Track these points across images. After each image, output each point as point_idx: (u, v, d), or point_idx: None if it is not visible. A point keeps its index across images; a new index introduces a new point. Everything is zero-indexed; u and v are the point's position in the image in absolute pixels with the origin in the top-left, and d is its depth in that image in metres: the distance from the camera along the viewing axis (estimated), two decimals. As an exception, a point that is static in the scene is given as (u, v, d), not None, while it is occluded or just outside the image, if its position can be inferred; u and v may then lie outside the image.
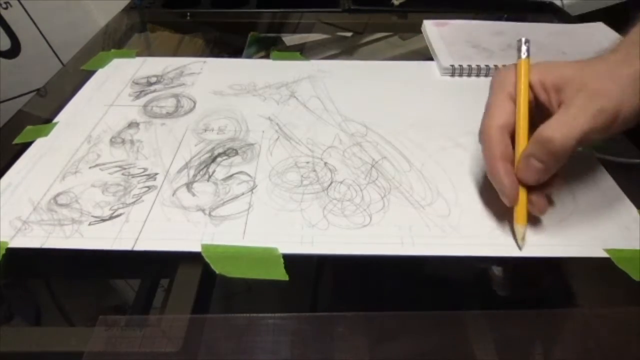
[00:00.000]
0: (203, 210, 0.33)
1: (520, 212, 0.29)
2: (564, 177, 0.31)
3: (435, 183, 0.35)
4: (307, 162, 0.37)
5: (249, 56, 0.56)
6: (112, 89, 0.48)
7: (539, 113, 0.30)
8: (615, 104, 0.26)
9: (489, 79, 0.50)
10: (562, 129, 0.27)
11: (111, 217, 0.32)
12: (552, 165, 0.28)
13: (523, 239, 0.30)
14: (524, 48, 0.32)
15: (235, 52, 0.58)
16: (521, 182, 0.29)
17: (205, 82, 0.49)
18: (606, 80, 0.27)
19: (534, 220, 0.32)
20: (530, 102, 0.30)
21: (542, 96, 0.30)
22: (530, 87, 0.30)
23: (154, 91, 0.47)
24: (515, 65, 0.31)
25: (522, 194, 0.29)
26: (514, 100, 0.30)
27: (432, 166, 0.37)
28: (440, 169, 0.37)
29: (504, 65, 0.48)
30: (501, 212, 0.32)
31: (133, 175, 0.36)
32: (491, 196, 0.34)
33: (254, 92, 0.47)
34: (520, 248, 0.30)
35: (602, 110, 0.26)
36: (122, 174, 0.36)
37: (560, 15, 0.67)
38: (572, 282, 0.31)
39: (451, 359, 0.26)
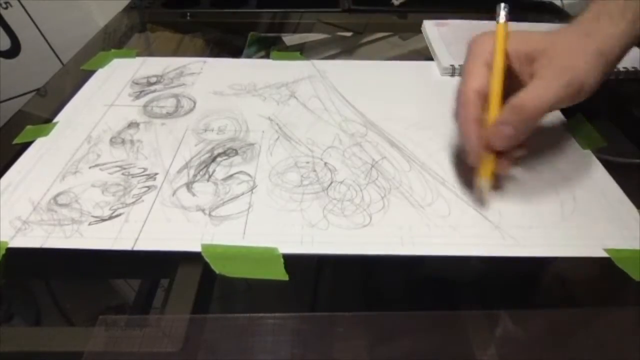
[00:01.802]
0: (203, 210, 0.33)
1: (485, 169, 0.31)
2: (527, 148, 0.33)
3: (435, 183, 0.35)
4: (307, 162, 0.37)
5: (249, 56, 0.56)
6: (112, 89, 0.48)
7: (512, 81, 0.32)
8: (581, 77, 0.29)
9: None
10: (534, 99, 0.29)
11: (111, 217, 0.32)
12: (521, 132, 0.30)
13: (486, 193, 0.32)
14: (502, 13, 0.33)
15: (235, 52, 0.58)
16: (491, 146, 0.31)
17: (205, 82, 0.49)
18: (574, 56, 0.30)
19: (534, 220, 0.32)
20: (505, 70, 0.31)
21: (516, 65, 0.32)
22: (506, 55, 0.32)
23: (154, 91, 0.47)
24: (494, 31, 0.33)
25: (490, 155, 0.31)
26: (490, 66, 0.32)
27: (432, 166, 0.37)
28: (440, 169, 0.37)
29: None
30: (501, 211, 0.33)
31: (133, 175, 0.36)
32: (491, 196, 0.34)
33: (254, 92, 0.47)
34: (482, 204, 0.32)
35: (570, 83, 0.29)
36: (122, 174, 0.36)
37: (560, 15, 0.67)
38: (572, 282, 0.31)
39: (451, 359, 0.26)
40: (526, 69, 0.32)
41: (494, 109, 0.31)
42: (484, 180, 0.31)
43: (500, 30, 0.32)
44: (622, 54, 0.31)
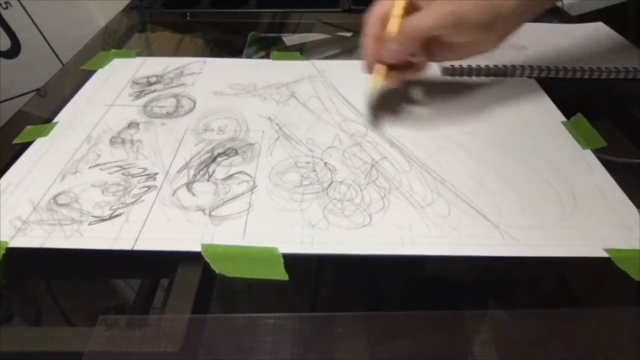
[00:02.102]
0: (203, 210, 0.33)
1: (374, 76, 0.38)
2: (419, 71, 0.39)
3: (435, 183, 0.35)
4: (307, 162, 0.37)
5: (249, 56, 0.56)
6: (112, 89, 0.48)
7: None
8: (461, 12, 0.34)
9: (489, 79, 0.50)
10: (415, 21, 0.35)
11: (111, 217, 0.32)
12: (404, 48, 0.36)
13: (371, 97, 0.38)
14: None
15: (235, 52, 0.58)
16: (382, 59, 0.37)
17: (205, 82, 0.49)
18: None
19: (534, 220, 0.32)
20: (408, 3, 0.37)
21: (422, 3, 0.37)
22: None
23: (154, 91, 0.47)
24: None
25: (379, 66, 0.37)
26: None
27: (432, 166, 0.37)
28: (440, 169, 0.37)
29: (503, 65, 0.48)
30: (501, 211, 0.33)
31: (133, 175, 0.36)
32: (491, 196, 0.34)
33: (254, 92, 0.47)
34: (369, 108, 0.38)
35: (448, 12, 0.34)
36: (122, 174, 0.36)
37: (560, 15, 0.67)
38: (572, 282, 0.31)
39: (451, 359, 0.26)
40: (425, 3, 0.37)
41: (392, 29, 0.36)
42: (371, 85, 0.38)
43: None
44: (518, 13, 0.36)
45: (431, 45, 0.37)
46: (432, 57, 0.39)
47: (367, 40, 0.37)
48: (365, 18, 0.38)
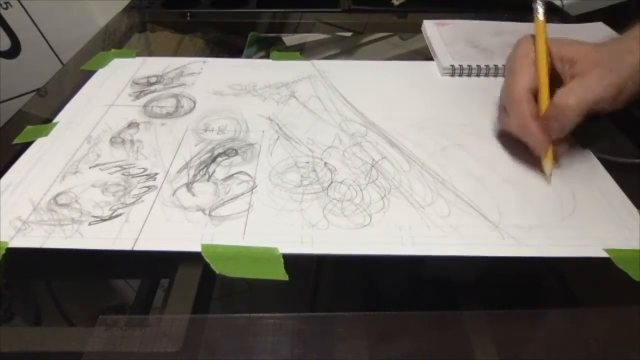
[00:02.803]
0: (203, 210, 0.33)
1: (550, 156, 0.34)
2: (570, 138, 0.36)
3: (435, 183, 0.35)
4: (307, 162, 0.37)
5: (249, 56, 0.56)
6: (112, 89, 0.48)
7: (555, 82, 0.35)
8: (622, 81, 0.32)
9: (489, 79, 0.50)
10: (577, 96, 0.32)
11: (111, 217, 0.32)
12: (567, 126, 0.33)
13: (550, 175, 0.35)
14: (540, 10, 0.37)
15: (235, 52, 0.58)
16: (553, 137, 0.34)
17: (205, 82, 0.49)
18: (615, 63, 0.33)
19: (534, 220, 0.32)
20: (549, 67, 0.35)
21: (559, 66, 0.35)
22: (550, 55, 0.35)
23: (154, 91, 0.47)
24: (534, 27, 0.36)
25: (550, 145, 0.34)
26: (536, 65, 0.35)
27: (432, 166, 0.37)
28: (440, 169, 0.37)
29: (503, 65, 0.48)
30: (501, 211, 0.33)
31: (133, 175, 0.36)
32: (491, 196, 0.34)
33: (254, 92, 0.47)
34: (549, 183, 0.35)
35: (612, 84, 0.32)
36: (122, 174, 0.36)
37: (560, 15, 0.67)
38: (572, 282, 0.31)
39: (451, 359, 0.26)
40: (568, 70, 0.35)
41: (544, 102, 0.34)
42: (549, 166, 0.35)
43: (540, 26, 0.36)
44: None
45: None
46: None
47: (529, 123, 0.34)
48: (508, 96, 0.35)
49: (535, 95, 0.35)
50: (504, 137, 0.40)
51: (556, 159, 0.35)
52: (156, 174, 0.36)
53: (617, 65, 0.33)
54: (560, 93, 0.33)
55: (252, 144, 0.39)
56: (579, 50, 0.35)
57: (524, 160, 0.37)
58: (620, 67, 0.33)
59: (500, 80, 0.49)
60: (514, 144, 0.39)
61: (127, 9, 0.70)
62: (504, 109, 0.37)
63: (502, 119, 0.38)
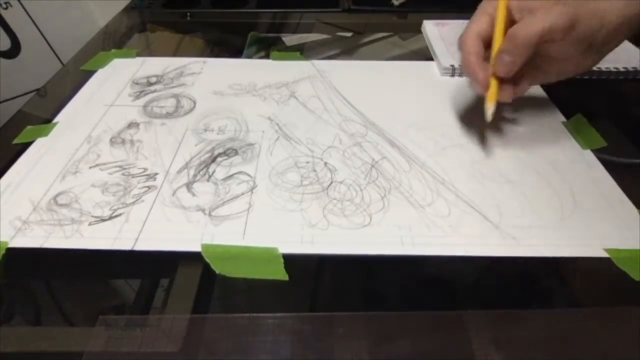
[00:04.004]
0: (203, 210, 0.33)
1: (491, 93, 0.35)
2: (528, 83, 0.37)
3: (435, 183, 0.35)
4: (307, 162, 0.37)
5: (249, 56, 0.56)
6: (112, 89, 0.48)
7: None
8: (573, 10, 0.32)
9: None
10: (526, 25, 0.33)
11: (111, 217, 0.32)
12: (517, 57, 0.34)
13: (492, 115, 0.35)
14: None
15: (235, 52, 0.58)
16: (495, 75, 0.35)
17: (205, 82, 0.49)
18: (571, 1, 0.33)
19: (534, 220, 0.32)
20: (506, 18, 0.36)
21: (517, 16, 0.35)
22: (510, 10, 0.36)
23: (154, 91, 0.47)
24: None
25: (494, 83, 0.35)
26: (491, 15, 0.36)
27: (432, 166, 0.37)
28: (440, 169, 0.37)
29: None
30: (501, 211, 0.33)
31: (133, 175, 0.36)
32: (491, 196, 0.34)
33: (254, 92, 0.47)
34: (488, 120, 0.35)
35: (562, 12, 0.32)
36: (122, 174, 0.36)
37: None
38: (572, 282, 0.31)
39: (451, 359, 0.26)
40: (527, 16, 0.35)
41: (498, 43, 0.35)
42: (490, 105, 0.35)
43: None
44: (620, 28, 0.34)
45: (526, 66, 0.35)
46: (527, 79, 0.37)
47: (473, 58, 0.35)
48: (460, 40, 0.37)
49: (486, 41, 0.36)
50: (505, 137, 0.40)
51: (506, 98, 0.36)
52: (156, 174, 0.36)
53: (571, 2, 0.33)
54: (512, 27, 0.34)
55: (252, 144, 0.39)
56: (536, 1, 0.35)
57: (524, 160, 0.37)
58: (573, 3, 0.33)
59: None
60: (514, 144, 0.39)
61: (127, 9, 0.70)
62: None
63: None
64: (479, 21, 0.37)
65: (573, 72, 0.37)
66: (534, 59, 0.35)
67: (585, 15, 0.33)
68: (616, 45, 0.35)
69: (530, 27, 0.33)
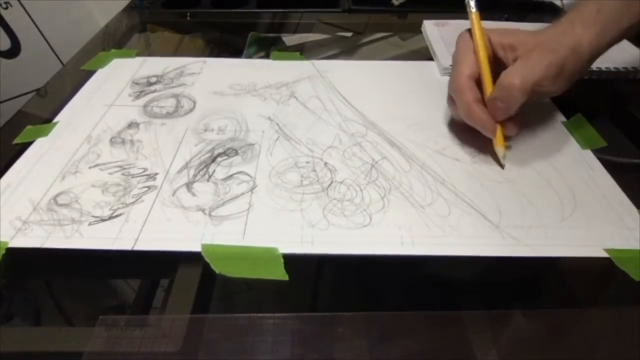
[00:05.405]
0: (203, 210, 0.33)
1: (499, 137, 0.36)
2: (521, 116, 0.37)
3: (435, 183, 0.35)
4: (307, 162, 0.37)
5: (249, 56, 0.56)
6: (112, 89, 0.48)
7: (498, 67, 0.37)
8: (561, 60, 0.34)
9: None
10: (520, 76, 0.33)
11: (111, 217, 0.32)
12: (512, 105, 0.34)
13: (504, 157, 0.36)
14: (472, 3, 0.40)
15: (235, 52, 0.58)
16: (497, 119, 0.36)
17: (205, 82, 0.49)
18: (554, 45, 0.34)
19: (534, 220, 0.32)
20: (489, 56, 0.37)
21: (500, 53, 0.37)
22: (491, 45, 0.37)
23: (154, 91, 0.47)
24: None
25: (499, 127, 0.36)
26: (476, 53, 0.37)
27: (432, 166, 0.37)
28: (440, 169, 0.37)
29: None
30: (501, 211, 0.33)
31: (133, 175, 0.36)
32: (491, 196, 0.34)
33: (254, 92, 0.47)
34: (502, 167, 0.36)
35: (552, 63, 0.33)
36: (122, 174, 0.36)
37: (560, 15, 0.66)
38: (572, 282, 0.31)
39: (451, 359, 0.26)
40: (510, 55, 0.36)
41: (488, 86, 0.36)
42: (500, 148, 0.36)
43: (474, 17, 0.39)
44: (593, 57, 0.36)
45: None
46: None
47: (472, 107, 0.35)
48: (454, 85, 0.37)
49: (477, 82, 0.37)
50: (505, 136, 0.40)
51: (510, 133, 0.37)
52: (156, 174, 0.36)
53: (555, 46, 0.34)
54: (504, 74, 0.34)
55: (252, 144, 0.39)
56: (518, 37, 0.36)
57: (524, 160, 0.37)
58: (558, 48, 0.34)
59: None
60: (514, 144, 0.39)
61: (127, 9, 0.70)
62: (451, 99, 0.38)
63: (452, 109, 0.39)
64: (467, 62, 0.37)
65: (549, 97, 0.40)
66: None
67: (569, 57, 0.34)
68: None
69: (524, 76, 0.33)
